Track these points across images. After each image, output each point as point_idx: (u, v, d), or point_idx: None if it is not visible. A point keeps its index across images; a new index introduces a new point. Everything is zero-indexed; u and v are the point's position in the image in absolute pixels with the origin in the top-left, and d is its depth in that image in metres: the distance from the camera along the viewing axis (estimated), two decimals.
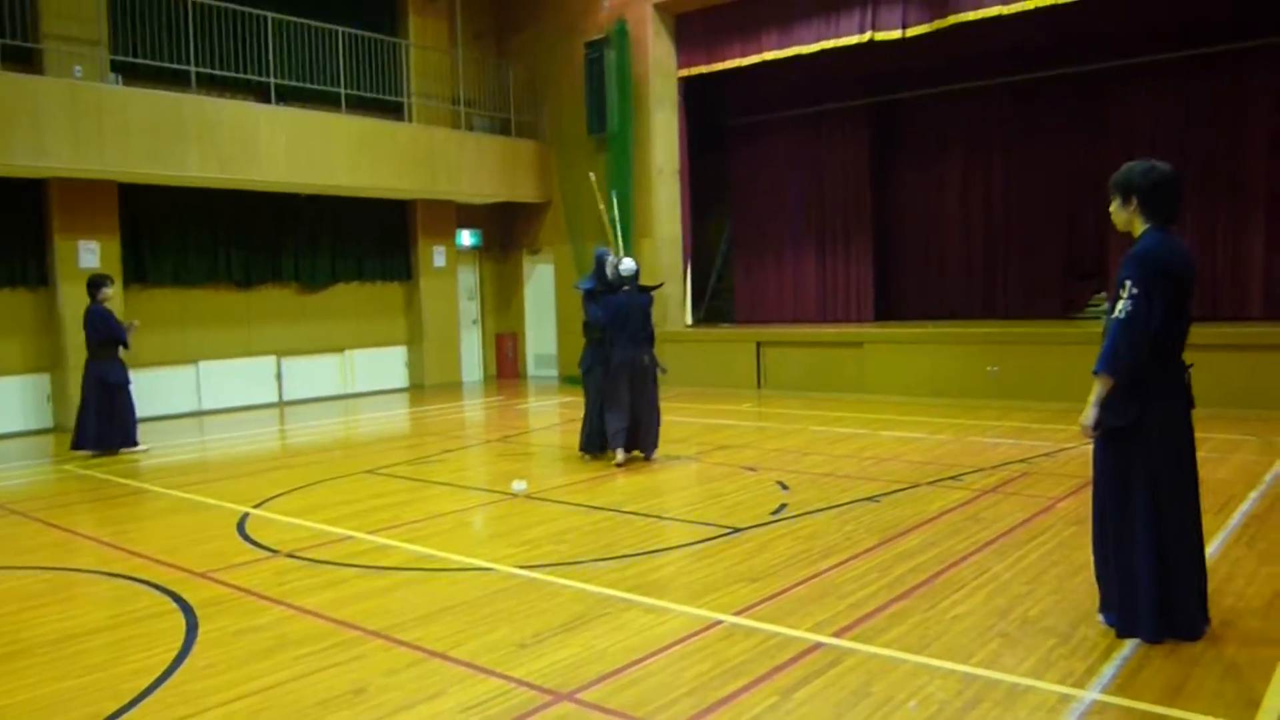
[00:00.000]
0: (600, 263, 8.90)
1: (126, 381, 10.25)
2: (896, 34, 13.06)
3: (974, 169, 15.19)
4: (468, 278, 17.75)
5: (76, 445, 10.15)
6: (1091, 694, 3.55)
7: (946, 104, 15.17)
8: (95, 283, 10.25)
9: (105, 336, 10.09)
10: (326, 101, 14.24)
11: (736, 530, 6.13)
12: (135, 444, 10.35)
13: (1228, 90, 12.48)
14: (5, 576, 5.73)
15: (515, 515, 6.91)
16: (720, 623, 4.44)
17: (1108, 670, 3.76)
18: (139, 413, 10.48)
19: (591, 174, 10.55)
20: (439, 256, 16.53)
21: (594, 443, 8.86)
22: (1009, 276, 14.94)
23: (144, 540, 6.42)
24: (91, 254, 12.33)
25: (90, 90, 11.39)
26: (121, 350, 10.25)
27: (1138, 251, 3.95)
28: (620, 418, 8.48)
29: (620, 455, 8.53)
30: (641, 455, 8.69)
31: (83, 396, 10.21)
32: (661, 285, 8.91)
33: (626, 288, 8.61)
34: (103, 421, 10.10)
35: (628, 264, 8.60)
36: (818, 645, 4.12)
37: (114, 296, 10.52)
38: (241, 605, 4.97)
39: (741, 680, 3.78)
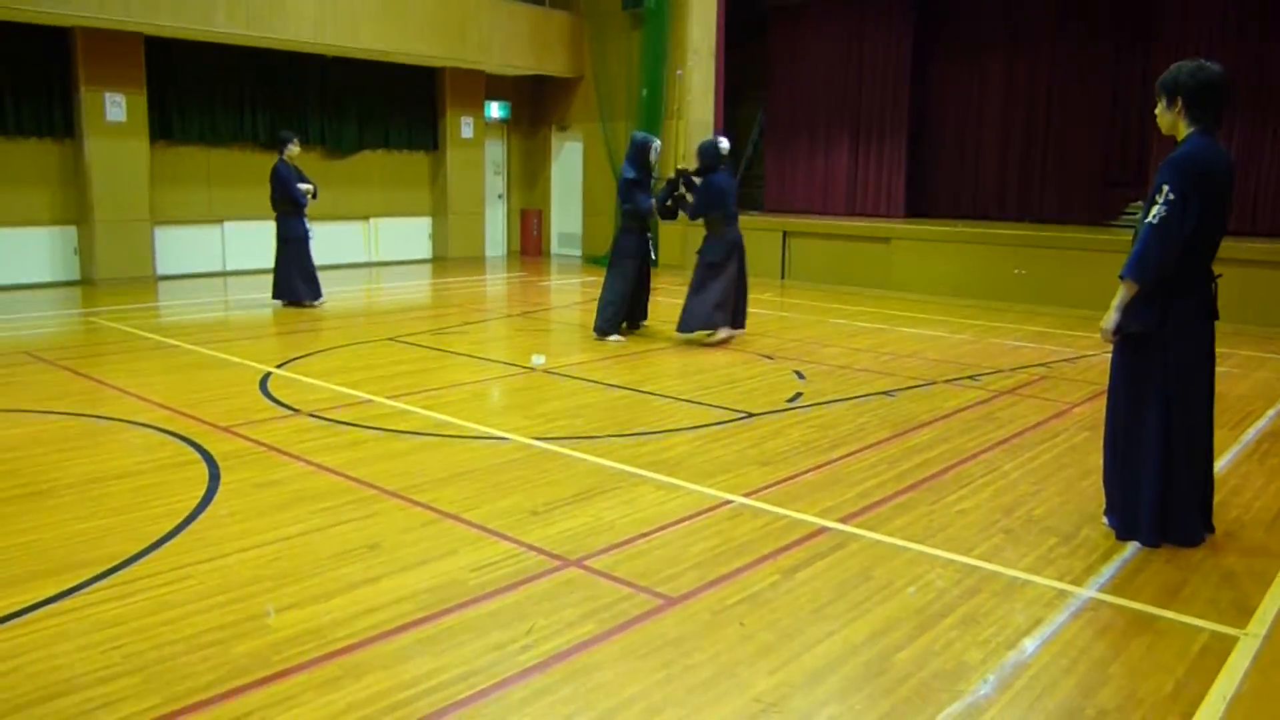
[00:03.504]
0: (642, 149, 8.80)
1: (301, 236, 10.66)
2: None
3: (1017, 67, 14.66)
4: (495, 151, 17.51)
5: (275, 296, 10.79)
6: (1088, 592, 3.62)
7: None
8: (281, 139, 10.63)
9: (281, 195, 10.53)
10: None
11: (751, 415, 6.19)
12: (318, 297, 10.82)
13: None
14: (34, 420, 5.89)
15: (533, 389, 6.99)
16: (729, 503, 4.53)
17: (1107, 570, 3.82)
18: (168, 269, 10.55)
19: (679, 70, 10.43)
20: (466, 128, 16.28)
21: (615, 325, 8.90)
22: (1045, 179, 14.57)
23: (169, 393, 6.56)
24: (118, 107, 12.21)
25: None
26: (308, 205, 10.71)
27: (1177, 156, 3.84)
28: (727, 296, 8.57)
29: (724, 333, 8.67)
30: (740, 330, 8.84)
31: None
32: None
33: (723, 168, 8.65)
34: (282, 275, 10.66)
35: (725, 143, 8.66)
36: (823, 529, 4.20)
37: (298, 154, 10.77)
38: (262, 459, 5.10)
39: (746, 558, 3.87)
